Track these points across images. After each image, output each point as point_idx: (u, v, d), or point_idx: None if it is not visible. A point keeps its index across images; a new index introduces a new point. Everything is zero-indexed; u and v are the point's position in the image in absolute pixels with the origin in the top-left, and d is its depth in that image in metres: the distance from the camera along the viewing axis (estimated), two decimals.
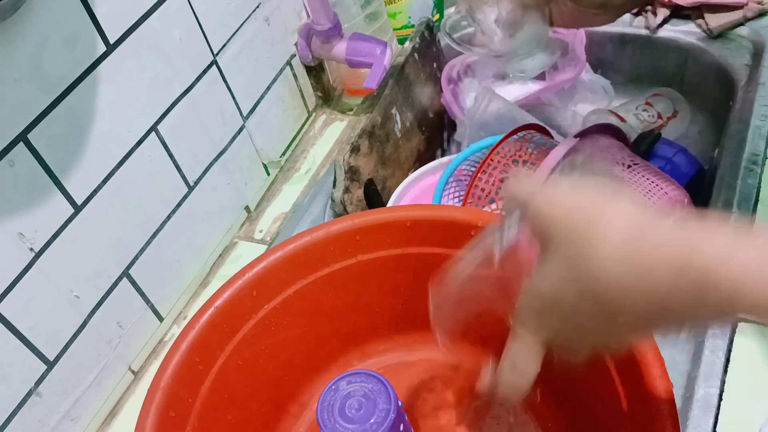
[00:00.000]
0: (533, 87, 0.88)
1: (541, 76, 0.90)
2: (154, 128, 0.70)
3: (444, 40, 0.94)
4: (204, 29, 0.75)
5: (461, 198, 0.76)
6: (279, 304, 0.60)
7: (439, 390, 0.62)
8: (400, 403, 0.55)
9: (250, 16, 0.82)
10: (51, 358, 0.63)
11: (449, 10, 1.01)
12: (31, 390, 0.61)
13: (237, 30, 0.80)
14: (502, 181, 0.67)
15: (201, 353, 0.56)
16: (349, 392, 0.55)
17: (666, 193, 0.64)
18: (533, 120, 0.81)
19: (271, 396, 0.61)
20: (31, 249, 0.60)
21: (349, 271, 0.61)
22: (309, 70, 0.94)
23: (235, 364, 0.58)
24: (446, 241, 0.58)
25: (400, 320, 0.64)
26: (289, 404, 0.63)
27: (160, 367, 0.54)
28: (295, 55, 0.91)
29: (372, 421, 0.52)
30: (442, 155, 0.93)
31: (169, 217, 0.74)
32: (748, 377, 0.58)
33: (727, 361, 0.59)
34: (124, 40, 0.65)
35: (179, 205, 0.75)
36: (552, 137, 0.74)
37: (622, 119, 0.84)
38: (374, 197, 0.81)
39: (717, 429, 0.54)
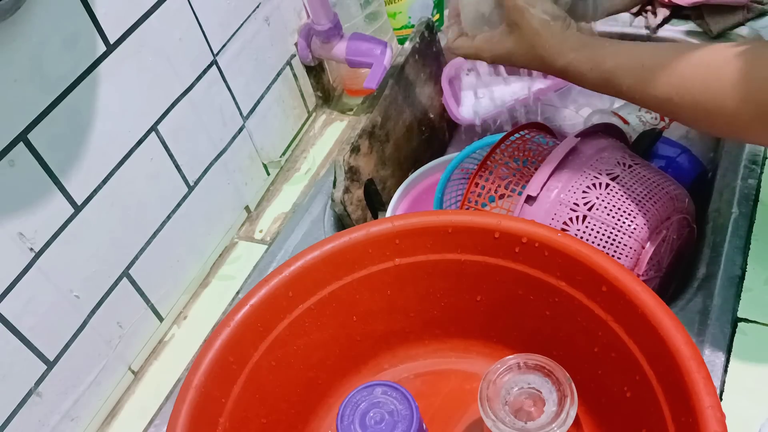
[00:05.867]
0: (533, 86, 0.88)
1: (541, 76, 0.90)
2: (154, 128, 0.70)
3: (444, 41, 0.94)
4: (204, 29, 0.75)
5: (462, 196, 0.76)
6: (314, 305, 0.59)
7: (468, 403, 0.61)
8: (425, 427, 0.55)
9: (250, 16, 0.82)
10: (51, 358, 0.63)
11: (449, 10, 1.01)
12: (31, 390, 0.61)
13: (237, 30, 0.80)
14: (502, 179, 0.67)
15: (235, 352, 0.55)
16: (379, 401, 0.54)
17: (667, 192, 0.64)
18: None
19: (301, 396, 0.61)
20: (31, 249, 0.60)
21: (386, 274, 0.60)
22: (309, 70, 0.94)
23: (268, 363, 0.57)
24: (487, 249, 0.58)
25: (433, 326, 0.64)
26: (318, 405, 0.63)
27: (194, 364, 0.53)
28: (295, 55, 0.91)
29: None
30: (442, 155, 0.93)
31: (169, 217, 0.74)
32: (748, 377, 0.58)
33: (727, 361, 0.59)
34: (124, 40, 0.65)
35: (179, 205, 0.75)
36: (555, 136, 0.74)
37: (624, 121, 0.84)
38: (374, 197, 0.81)
39: None
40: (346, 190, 0.76)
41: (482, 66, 0.89)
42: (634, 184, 0.63)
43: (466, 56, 0.68)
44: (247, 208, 0.87)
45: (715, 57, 0.52)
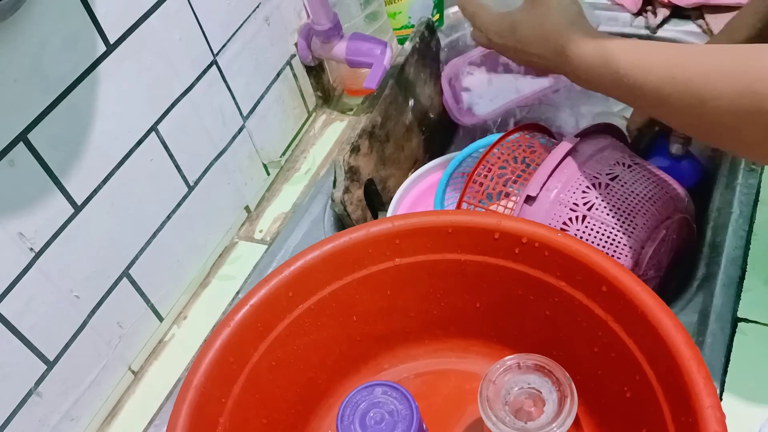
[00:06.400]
0: (534, 86, 0.88)
1: (542, 76, 0.90)
2: (154, 128, 0.70)
3: (444, 41, 0.94)
4: (204, 29, 0.75)
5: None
6: (314, 305, 0.59)
7: (468, 403, 0.61)
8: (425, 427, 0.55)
9: (250, 16, 0.82)
10: (51, 358, 0.63)
11: (449, 11, 1.01)
12: (31, 390, 0.61)
13: (237, 30, 0.80)
14: (500, 176, 0.67)
15: (235, 352, 0.55)
16: (378, 401, 0.54)
17: (667, 192, 0.64)
18: None
19: (300, 396, 0.61)
20: (31, 249, 0.60)
21: (386, 274, 0.60)
22: (309, 70, 0.94)
23: (268, 363, 0.57)
24: (487, 249, 0.58)
25: (433, 326, 0.64)
26: (318, 405, 0.63)
27: (194, 364, 0.53)
28: (295, 55, 0.91)
29: None
30: (442, 155, 0.93)
31: (169, 217, 0.74)
32: (748, 377, 0.58)
33: (727, 361, 0.59)
34: (124, 40, 0.65)
35: (179, 205, 0.75)
36: (553, 136, 0.74)
37: None
38: (374, 197, 0.81)
39: None
40: (346, 190, 0.76)
41: (482, 66, 0.89)
42: (633, 184, 0.63)
43: (473, 21, 0.69)
44: (247, 208, 0.87)
45: (715, 48, 0.51)
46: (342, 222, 0.78)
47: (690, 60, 0.51)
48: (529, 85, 0.87)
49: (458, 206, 0.68)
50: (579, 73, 0.61)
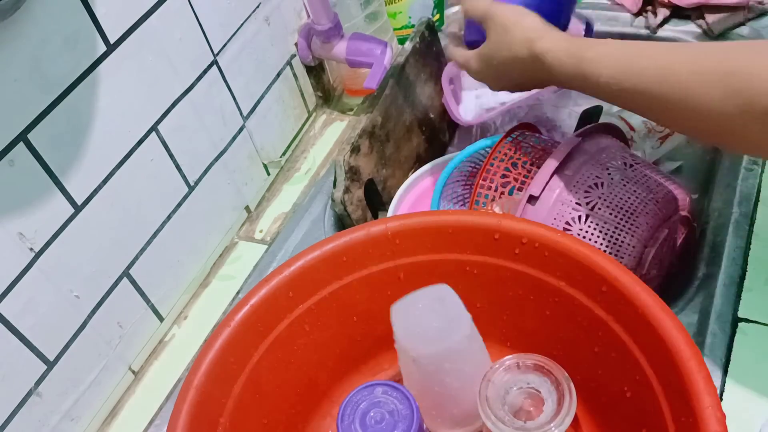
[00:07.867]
0: None
1: None
2: (154, 128, 0.70)
3: (444, 40, 0.94)
4: (204, 29, 0.75)
5: (459, 198, 0.76)
6: (314, 305, 0.59)
7: None
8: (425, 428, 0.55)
9: (250, 16, 0.82)
10: (51, 358, 0.63)
11: (449, 11, 1.01)
12: (31, 390, 0.61)
13: (237, 30, 0.80)
14: (503, 185, 0.67)
15: (235, 352, 0.55)
16: (379, 401, 0.54)
17: (669, 191, 0.64)
18: None
19: (301, 396, 0.61)
20: (31, 249, 0.60)
21: (386, 274, 0.60)
22: (309, 70, 0.94)
23: (268, 363, 0.57)
24: (487, 250, 0.58)
25: None
26: (319, 405, 0.63)
27: (194, 364, 0.53)
28: (295, 55, 0.91)
29: None
30: (442, 155, 0.93)
31: (169, 217, 0.74)
32: (748, 377, 0.58)
33: (727, 361, 0.59)
34: (124, 40, 0.65)
35: (179, 205, 0.75)
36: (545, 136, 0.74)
37: (631, 127, 0.84)
38: (374, 197, 0.81)
39: None
40: (347, 190, 0.76)
41: None
42: (636, 183, 0.63)
43: (458, 65, 0.71)
44: (247, 208, 0.87)
45: (698, 50, 0.51)
46: (342, 222, 0.78)
47: (671, 63, 0.51)
48: None
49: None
50: (563, 84, 0.61)
